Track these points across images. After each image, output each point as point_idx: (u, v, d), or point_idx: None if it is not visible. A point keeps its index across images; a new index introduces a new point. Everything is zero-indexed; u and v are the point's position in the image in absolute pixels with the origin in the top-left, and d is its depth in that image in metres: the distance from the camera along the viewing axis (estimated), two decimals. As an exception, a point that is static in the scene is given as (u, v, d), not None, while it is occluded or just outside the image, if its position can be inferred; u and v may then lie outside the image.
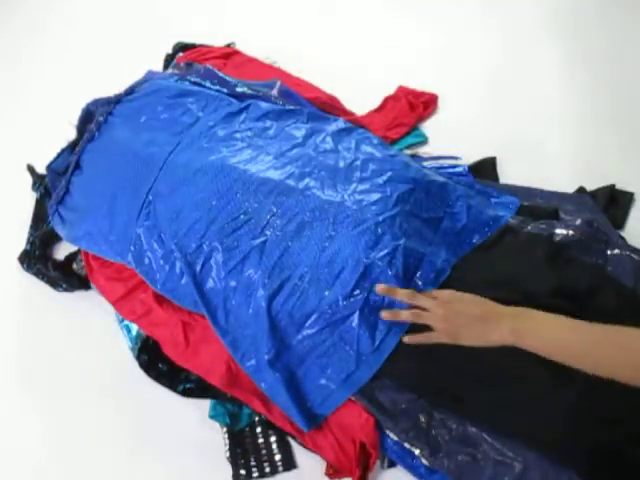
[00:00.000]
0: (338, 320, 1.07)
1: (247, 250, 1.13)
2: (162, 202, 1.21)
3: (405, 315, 0.96)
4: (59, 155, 1.46)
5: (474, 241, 1.17)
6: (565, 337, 0.83)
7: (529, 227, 1.20)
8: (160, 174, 1.23)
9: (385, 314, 0.99)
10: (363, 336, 1.06)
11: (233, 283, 1.13)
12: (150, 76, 1.52)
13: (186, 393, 1.20)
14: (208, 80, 1.45)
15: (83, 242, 1.32)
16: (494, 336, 0.88)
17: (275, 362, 1.09)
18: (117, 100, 1.40)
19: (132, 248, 1.22)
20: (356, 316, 1.06)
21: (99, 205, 1.29)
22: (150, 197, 1.22)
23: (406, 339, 0.99)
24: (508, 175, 1.45)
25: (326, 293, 1.07)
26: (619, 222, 1.34)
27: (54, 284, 1.38)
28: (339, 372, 1.08)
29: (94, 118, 1.41)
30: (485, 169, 1.45)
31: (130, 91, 1.43)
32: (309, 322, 1.09)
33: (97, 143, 1.36)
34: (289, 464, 1.13)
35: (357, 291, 1.06)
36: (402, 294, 0.98)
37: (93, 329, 1.32)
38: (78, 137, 1.45)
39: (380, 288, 1.00)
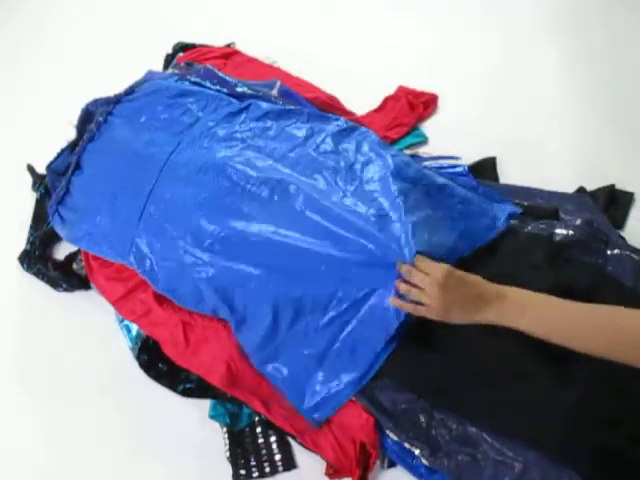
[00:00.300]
0: (360, 299, 1.07)
1: (256, 249, 1.13)
2: (164, 202, 1.21)
3: (402, 287, 0.99)
4: (59, 155, 1.46)
5: (473, 244, 1.17)
6: (551, 318, 0.86)
7: (529, 227, 1.20)
8: (161, 174, 1.23)
9: (397, 283, 1.01)
10: (387, 315, 1.05)
11: (246, 279, 1.13)
12: (150, 76, 1.52)
13: (186, 393, 1.20)
14: (208, 80, 1.44)
15: (83, 242, 1.32)
16: (485, 315, 0.90)
17: (302, 346, 1.10)
18: (117, 100, 1.40)
19: (133, 249, 1.22)
20: (378, 293, 1.07)
21: (99, 205, 1.29)
22: (151, 197, 1.22)
23: (391, 299, 1.01)
24: (508, 175, 1.45)
25: (343, 274, 1.08)
26: (619, 222, 1.34)
27: (54, 284, 1.38)
28: (368, 352, 1.08)
29: (94, 118, 1.41)
30: (485, 169, 1.45)
31: (130, 91, 1.43)
32: (333, 303, 1.09)
33: (97, 143, 1.36)
34: (289, 464, 1.13)
35: (374, 273, 1.07)
36: (404, 269, 1.00)
37: (93, 329, 1.32)
38: (78, 137, 1.45)
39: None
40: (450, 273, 0.94)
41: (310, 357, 1.11)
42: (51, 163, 1.46)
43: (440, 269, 0.95)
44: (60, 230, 1.37)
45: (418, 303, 0.97)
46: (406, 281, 0.99)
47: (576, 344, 0.83)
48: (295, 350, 1.12)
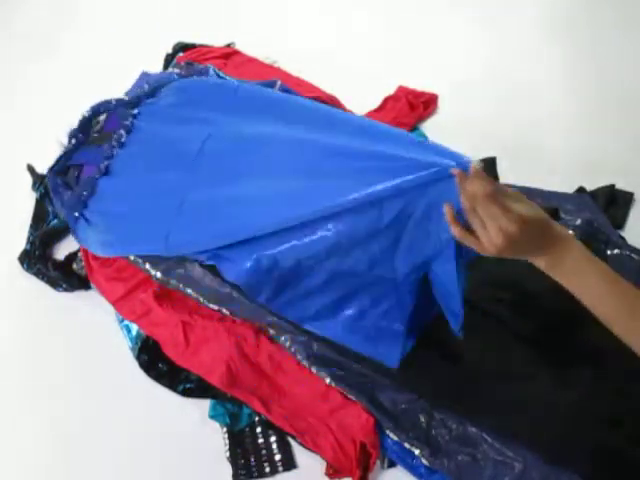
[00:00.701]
0: None
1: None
2: (200, 196, 1.18)
3: (466, 205, 0.80)
4: (59, 159, 1.45)
5: None
6: (599, 294, 0.78)
7: (529, 227, 1.20)
8: (197, 170, 1.20)
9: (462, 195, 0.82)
10: None
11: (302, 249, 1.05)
12: (146, 78, 1.51)
13: (186, 393, 1.20)
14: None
15: (115, 246, 1.27)
16: (538, 262, 0.80)
17: None
18: (138, 102, 1.38)
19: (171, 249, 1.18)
20: None
21: (134, 207, 1.25)
22: (187, 195, 1.18)
23: (446, 207, 0.84)
24: (508, 175, 1.44)
25: None
26: (619, 222, 1.34)
27: (54, 284, 1.38)
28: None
29: (98, 120, 1.40)
30: (485, 169, 1.45)
31: (152, 93, 1.40)
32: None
33: (128, 147, 1.33)
34: (289, 464, 1.13)
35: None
36: (478, 187, 0.80)
37: (93, 329, 1.32)
38: (70, 140, 1.44)
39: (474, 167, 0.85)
40: (528, 229, 0.76)
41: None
42: (53, 167, 1.44)
43: (515, 222, 0.75)
44: (82, 234, 1.32)
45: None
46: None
47: (610, 324, 0.77)
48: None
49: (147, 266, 1.25)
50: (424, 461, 1.04)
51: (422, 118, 1.59)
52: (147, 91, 1.42)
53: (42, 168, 1.50)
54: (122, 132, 1.35)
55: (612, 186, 1.38)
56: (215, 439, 1.15)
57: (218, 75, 1.48)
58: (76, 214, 1.33)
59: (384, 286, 1.02)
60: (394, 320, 1.04)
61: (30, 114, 1.76)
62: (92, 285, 1.35)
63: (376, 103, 1.63)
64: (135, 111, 1.38)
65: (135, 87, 1.54)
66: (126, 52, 1.85)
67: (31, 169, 1.55)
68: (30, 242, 1.43)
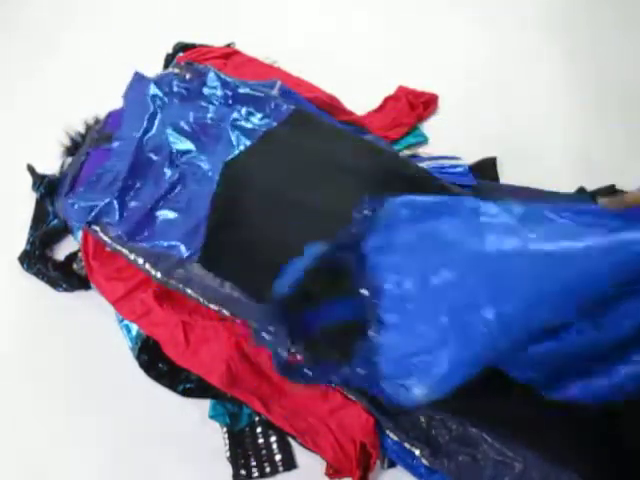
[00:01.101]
0: None
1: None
2: None
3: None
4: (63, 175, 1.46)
5: None
6: None
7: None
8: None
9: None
10: None
11: None
12: (139, 78, 1.50)
13: (186, 393, 1.20)
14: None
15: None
16: None
17: None
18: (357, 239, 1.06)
19: None
20: None
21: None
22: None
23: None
24: (508, 175, 1.45)
25: None
26: (619, 222, 1.34)
27: (54, 284, 1.38)
28: None
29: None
30: (485, 169, 1.46)
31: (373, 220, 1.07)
32: None
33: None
34: (289, 464, 1.13)
35: None
36: None
37: (93, 329, 1.32)
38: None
39: None
40: None
41: None
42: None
43: None
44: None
45: None
46: None
47: None
48: None
49: (147, 266, 1.25)
50: (424, 461, 1.04)
51: (422, 118, 1.59)
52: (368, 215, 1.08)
53: (42, 168, 1.50)
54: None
55: (612, 186, 1.38)
56: (215, 439, 1.15)
57: (218, 76, 1.48)
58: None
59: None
60: None
61: (30, 114, 1.75)
62: (92, 285, 1.35)
63: (376, 103, 1.63)
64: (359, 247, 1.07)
65: (131, 90, 1.52)
66: (126, 52, 1.84)
67: (31, 169, 1.55)
68: (30, 242, 1.43)
